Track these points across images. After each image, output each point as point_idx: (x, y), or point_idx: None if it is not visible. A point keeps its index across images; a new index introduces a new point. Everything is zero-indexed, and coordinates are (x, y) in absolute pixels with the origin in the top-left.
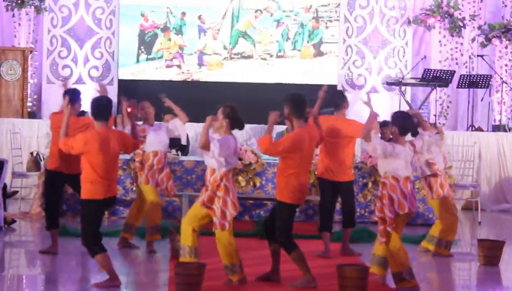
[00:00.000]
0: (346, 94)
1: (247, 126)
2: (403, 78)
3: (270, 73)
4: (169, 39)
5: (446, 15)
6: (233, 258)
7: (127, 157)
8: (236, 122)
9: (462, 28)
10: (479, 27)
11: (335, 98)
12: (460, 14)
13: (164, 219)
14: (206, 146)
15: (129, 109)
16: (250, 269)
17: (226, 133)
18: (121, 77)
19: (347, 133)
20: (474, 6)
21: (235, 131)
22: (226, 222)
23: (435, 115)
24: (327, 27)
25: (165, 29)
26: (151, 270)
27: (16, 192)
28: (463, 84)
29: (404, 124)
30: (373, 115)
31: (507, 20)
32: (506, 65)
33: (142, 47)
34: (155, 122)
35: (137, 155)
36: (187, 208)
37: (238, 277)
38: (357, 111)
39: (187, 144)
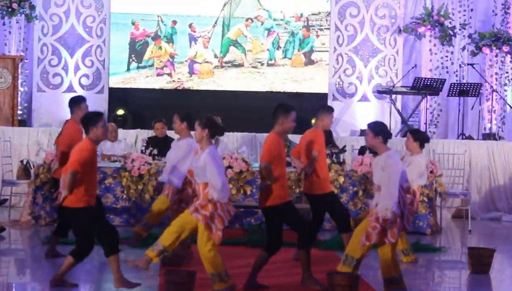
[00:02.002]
0: (337, 103)
1: (238, 135)
2: (393, 87)
3: (261, 81)
4: (160, 48)
5: (437, 24)
6: (218, 267)
7: (117, 165)
8: (215, 130)
9: (453, 37)
10: (470, 36)
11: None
12: (450, 23)
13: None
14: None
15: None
16: (240, 277)
17: (207, 143)
18: (112, 85)
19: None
20: (464, 15)
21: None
22: (213, 223)
23: (425, 123)
24: (317, 36)
25: (156, 37)
26: (141, 278)
27: (6, 200)
28: (454, 92)
29: (387, 132)
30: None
31: (497, 29)
32: (496, 73)
33: (132, 56)
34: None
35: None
36: None
37: (227, 285)
38: (347, 120)
39: None
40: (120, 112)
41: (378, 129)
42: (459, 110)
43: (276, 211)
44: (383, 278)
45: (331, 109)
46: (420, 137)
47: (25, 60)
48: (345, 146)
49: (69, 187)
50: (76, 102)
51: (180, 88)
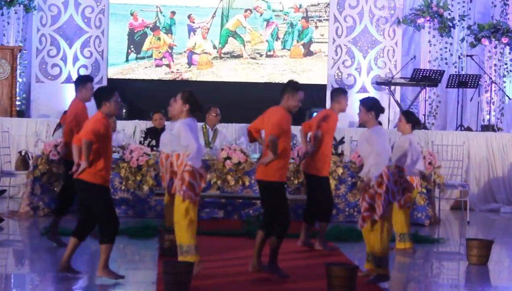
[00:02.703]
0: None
1: (236, 125)
2: (392, 78)
3: (260, 72)
4: (159, 38)
5: (436, 15)
6: (190, 239)
7: (116, 156)
8: (195, 106)
9: (452, 28)
10: (469, 27)
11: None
12: (449, 14)
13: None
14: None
15: None
16: (239, 269)
17: (185, 117)
18: (110, 76)
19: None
20: (463, 6)
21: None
22: (193, 193)
23: (424, 115)
24: (316, 27)
25: (154, 28)
26: (140, 269)
27: (5, 190)
28: (453, 84)
29: (379, 106)
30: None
31: (496, 20)
32: (495, 65)
33: (131, 46)
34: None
35: None
36: None
37: (197, 258)
38: (345, 112)
39: None
40: None
41: (371, 104)
42: (458, 101)
43: (271, 187)
44: (372, 255)
45: (345, 92)
46: (412, 120)
47: (24, 51)
48: (343, 137)
49: (86, 157)
50: (82, 81)
51: (179, 79)
